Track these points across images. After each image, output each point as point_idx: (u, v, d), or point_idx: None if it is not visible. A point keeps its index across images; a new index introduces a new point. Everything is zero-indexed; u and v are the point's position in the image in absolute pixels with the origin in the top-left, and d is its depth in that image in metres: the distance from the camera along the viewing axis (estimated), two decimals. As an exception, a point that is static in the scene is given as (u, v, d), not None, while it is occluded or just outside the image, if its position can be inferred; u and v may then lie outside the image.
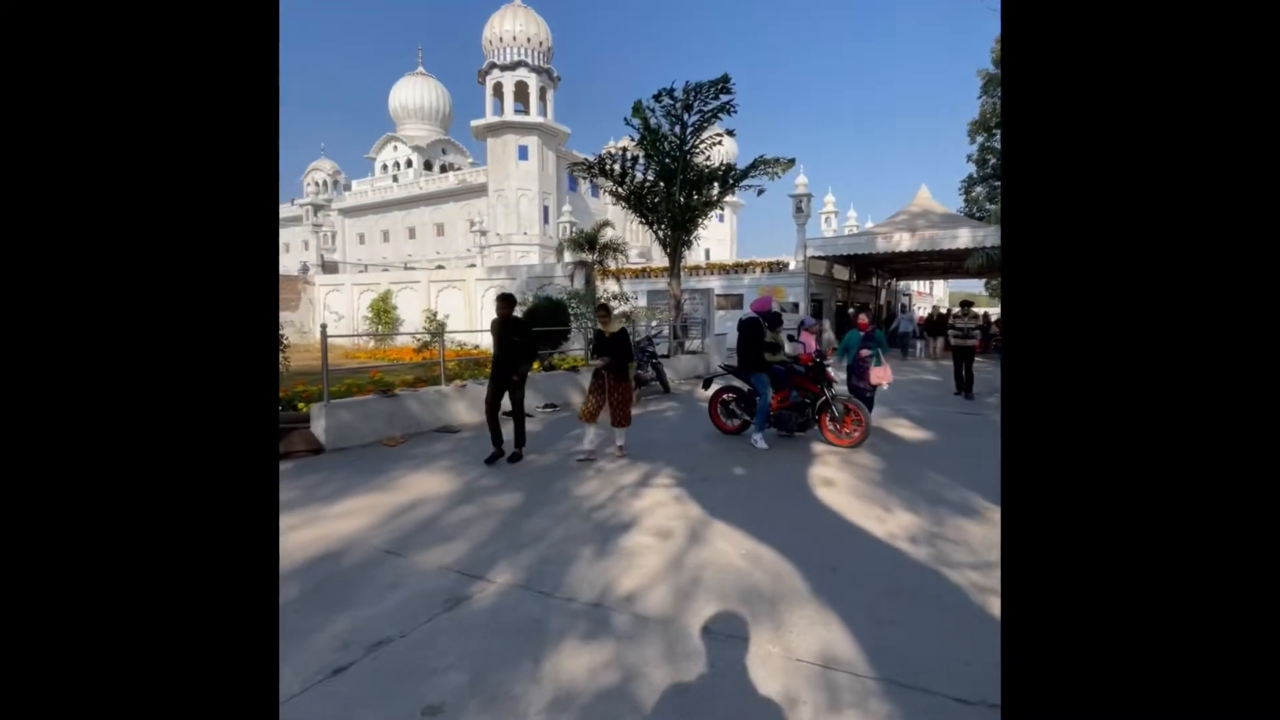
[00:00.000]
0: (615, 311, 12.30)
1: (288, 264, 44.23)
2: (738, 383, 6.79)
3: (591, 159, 12.65)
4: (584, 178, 12.89)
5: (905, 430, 7.18)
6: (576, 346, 10.89)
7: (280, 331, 21.89)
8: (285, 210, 52.68)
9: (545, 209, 36.89)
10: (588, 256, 14.69)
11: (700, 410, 8.17)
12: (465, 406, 7.48)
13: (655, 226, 12.91)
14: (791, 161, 12.52)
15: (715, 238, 51.19)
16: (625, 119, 12.16)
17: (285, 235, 51.58)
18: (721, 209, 50.15)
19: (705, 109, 12.09)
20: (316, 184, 53.16)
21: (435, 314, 19.53)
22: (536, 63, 37.16)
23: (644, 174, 12.88)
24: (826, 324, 17.48)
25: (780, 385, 6.42)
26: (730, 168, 12.77)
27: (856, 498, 4.55)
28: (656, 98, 11.88)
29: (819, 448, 6.20)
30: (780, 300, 17.59)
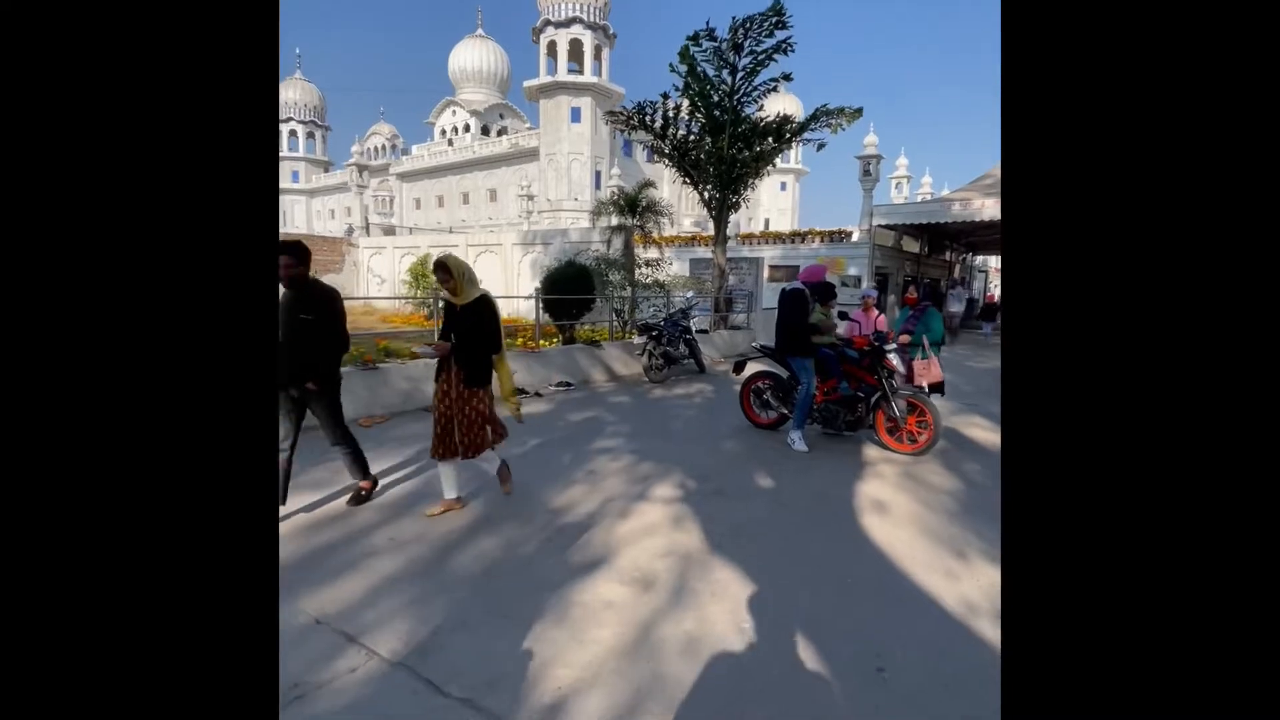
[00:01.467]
0: (648, 280, 11.29)
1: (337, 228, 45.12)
2: (776, 367, 5.60)
3: (630, 109, 11.35)
4: (622, 130, 11.60)
5: (985, 434, 5.82)
6: (604, 319, 9.85)
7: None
8: (355, 177, 53.61)
9: (597, 174, 35.68)
10: (627, 220, 13.53)
11: (736, 396, 7.04)
12: (462, 382, 6.59)
13: (699, 185, 11.61)
14: (859, 111, 10.89)
15: (775, 208, 48.84)
16: (670, 65, 10.82)
17: (346, 199, 52.52)
18: (779, 171, 47.63)
19: (758, 49, 10.59)
20: (375, 148, 53.71)
21: (469, 279, 19.03)
22: (592, 19, 35.56)
23: (689, 127, 11.54)
24: (891, 300, 15.77)
25: (827, 373, 5.19)
26: (787, 119, 11.26)
27: (919, 533, 3.36)
28: (694, 39, 10.44)
29: (872, 454, 4.97)
30: (840, 272, 15.96)
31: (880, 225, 16.51)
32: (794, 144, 11.73)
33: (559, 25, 35.22)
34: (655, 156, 12.21)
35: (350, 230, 35.17)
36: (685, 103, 11.10)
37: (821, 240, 17.91)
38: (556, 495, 3.82)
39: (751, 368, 6.04)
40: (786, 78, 10.90)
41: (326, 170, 58.61)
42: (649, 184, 13.40)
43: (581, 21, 35.21)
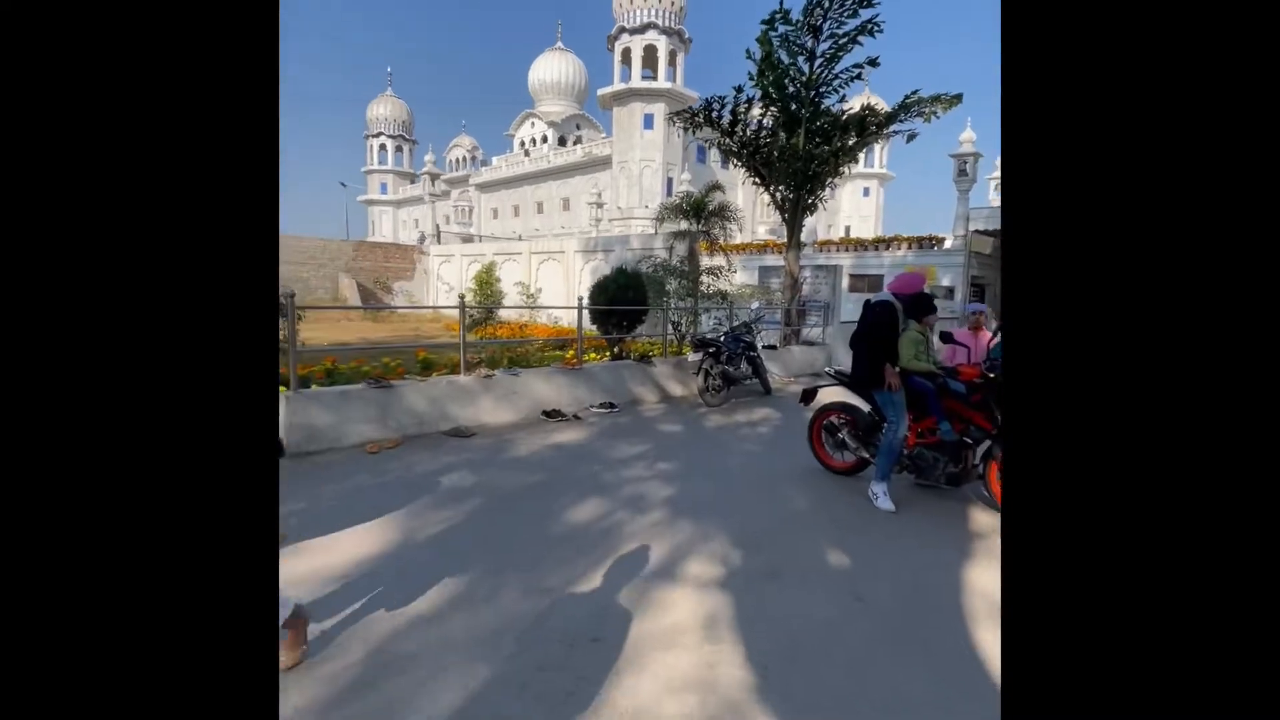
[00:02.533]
0: (711, 289, 10.27)
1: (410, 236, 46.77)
2: (856, 399, 4.51)
3: (696, 106, 10.43)
4: (686, 129, 10.70)
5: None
6: (663, 331, 8.95)
7: (389, 298, 22.20)
8: (428, 186, 55.69)
9: (669, 181, 34.99)
10: (692, 225, 12.60)
11: (806, 426, 5.95)
12: (490, 403, 5.88)
13: (771, 186, 10.53)
14: (957, 98, 9.49)
15: (858, 214, 46.46)
16: (747, 51, 9.82)
17: (428, 209, 54.51)
18: (861, 176, 45.21)
19: (839, 32, 9.44)
20: (456, 160, 55.49)
21: (529, 286, 18.58)
22: (666, 24, 35.03)
23: (760, 122, 10.50)
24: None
25: (923, 410, 4.06)
26: (872, 110, 10.01)
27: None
28: (769, 22, 9.39)
29: (984, 518, 3.80)
30: (931, 282, 14.34)
31: (977, 231, 14.74)
32: (880, 139, 10.44)
33: (633, 31, 34.90)
34: (729, 160, 11.23)
35: (422, 238, 36.11)
36: (760, 96, 10.07)
37: (909, 247, 16.29)
38: (549, 570, 2.94)
39: (825, 396, 4.96)
40: (873, 63, 9.68)
41: (412, 182, 61.20)
42: (716, 186, 12.45)
43: (656, 27, 34.74)
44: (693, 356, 7.20)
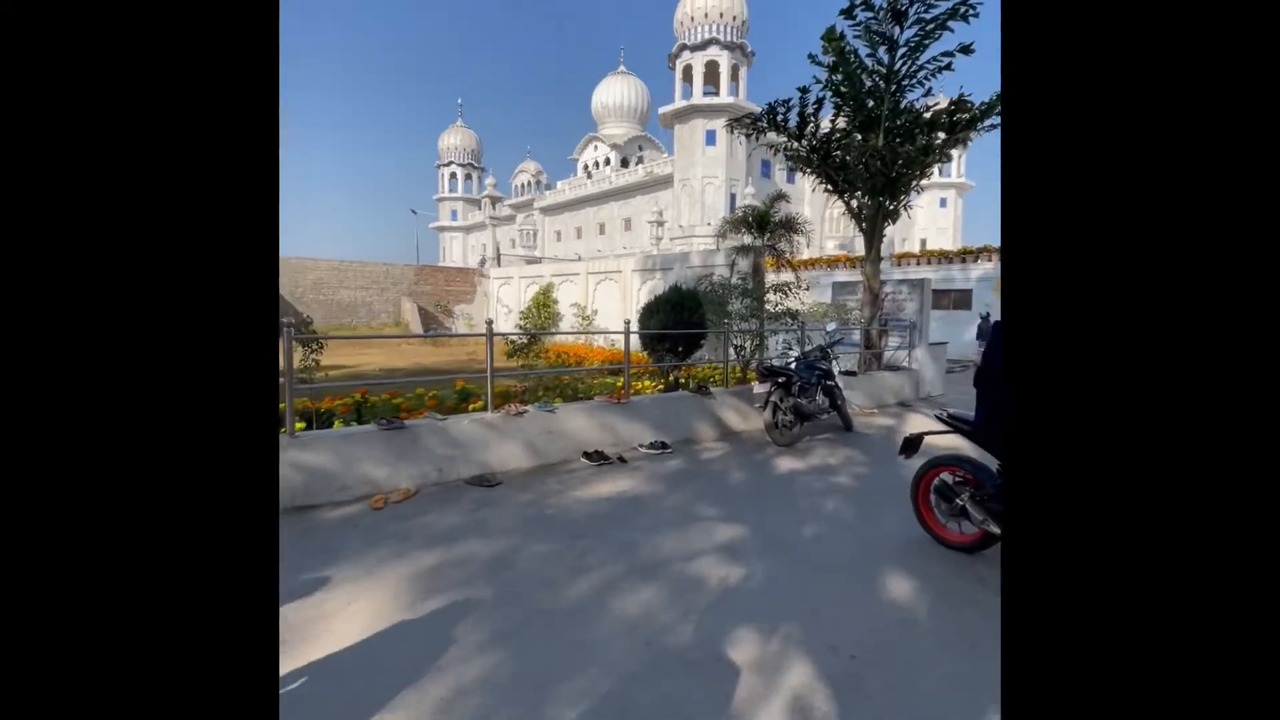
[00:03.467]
0: (778, 308, 9.18)
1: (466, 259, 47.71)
2: (981, 453, 3.41)
3: (759, 109, 9.46)
4: (748, 135, 9.79)
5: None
6: (721, 356, 7.97)
7: (450, 321, 22.22)
8: (499, 210, 57.11)
9: (732, 196, 34.03)
10: (756, 239, 11.61)
11: (902, 475, 4.82)
12: (522, 445, 5.08)
13: (845, 193, 9.42)
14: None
15: (934, 226, 43.84)
16: (810, 56, 8.87)
17: (498, 234, 55.79)
18: (938, 186, 42.66)
19: (927, 16, 8.31)
20: (521, 185, 56.65)
21: (585, 307, 17.97)
22: (728, 39, 34.36)
23: (832, 122, 9.44)
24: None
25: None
26: (963, 102, 8.77)
27: None
28: (848, 11, 8.37)
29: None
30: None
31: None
32: (971, 137, 9.17)
33: (695, 49, 34.44)
34: (795, 168, 10.22)
35: (482, 261, 36.62)
36: (830, 95, 9.03)
37: (997, 258, 14.62)
38: (547, 709, 2.03)
39: (931, 443, 3.86)
40: (965, 50, 8.47)
41: (480, 208, 62.98)
42: (782, 196, 11.42)
43: (718, 42, 34.14)
44: (759, 388, 6.18)
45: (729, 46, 34.28)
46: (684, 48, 34.76)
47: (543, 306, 18.98)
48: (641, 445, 5.78)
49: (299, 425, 5.60)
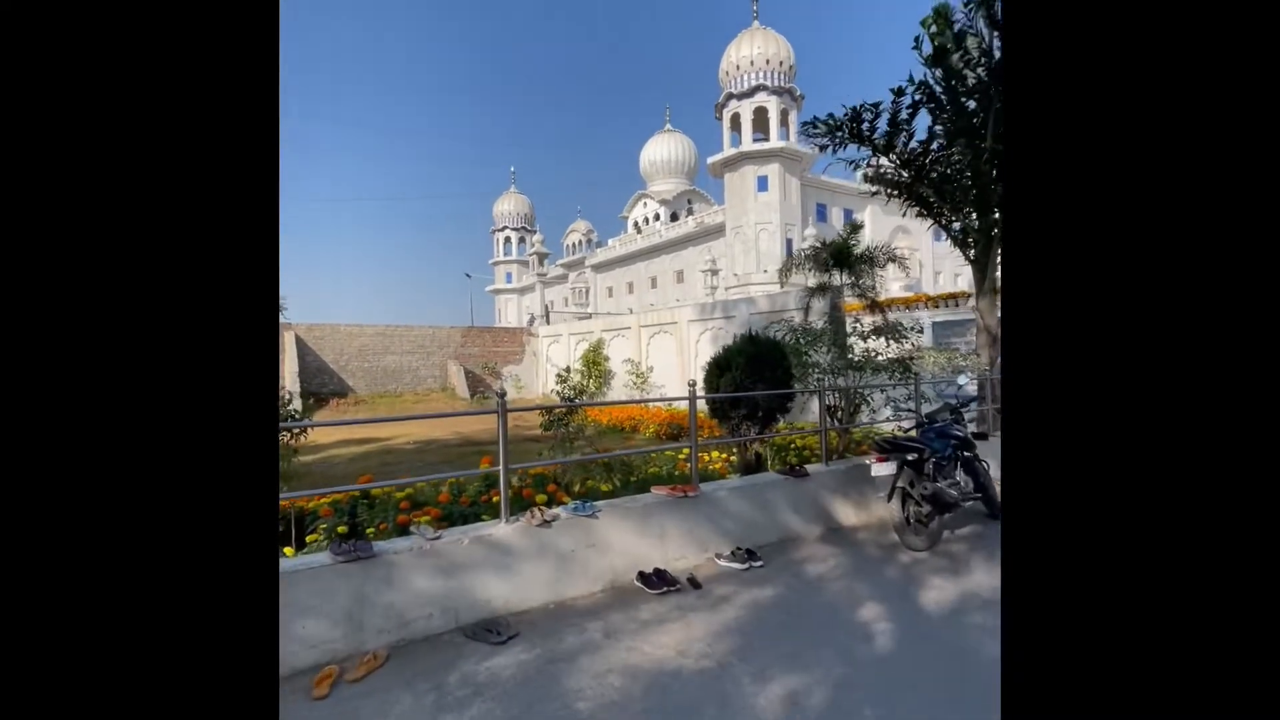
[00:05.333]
0: (887, 354, 7.47)
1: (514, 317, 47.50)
2: None
3: (838, 116, 7.95)
4: (824, 147, 8.31)
5: None
6: (810, 415, 6.27)
7: (499, 385, 21.32)
8: (548, 268, 57.67)
9: (788, 242, 32.55)
10: (832, 278, 9.99)
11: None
12: (550, 568, 3.54)
13: (946, 215, 7.76)
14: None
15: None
16: (915, 40, 7.36)
17: (550, 293, 56.16)
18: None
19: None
20: (572, 244, 57.18)
21: (638, 363, 16.52)
22: (776, 84, 33.69)
23: (930, 129, 7.89)
24: None
25: None
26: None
27: None
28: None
29: None
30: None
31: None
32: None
33: (741, 96, 33.92)
34: (877, 191, 8.66)
35: (531, 320, 36.13)
36: (922, 100, 7.53)
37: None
38: None
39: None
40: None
41: (530, 266, 63.94)
42: (860, 227, 9.85)
43: (766, 88, 33.52)
44: (879, 468, 4.44)
45: (777, 91, 33.59)
46: (731, 96, 34.30)
47: (593, 364, 17.70)
48: (720, 556, 4.12)
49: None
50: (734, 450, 6.31)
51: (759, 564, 4.05)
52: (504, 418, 3.58)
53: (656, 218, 47.88)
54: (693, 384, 4.31)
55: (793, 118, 34.09)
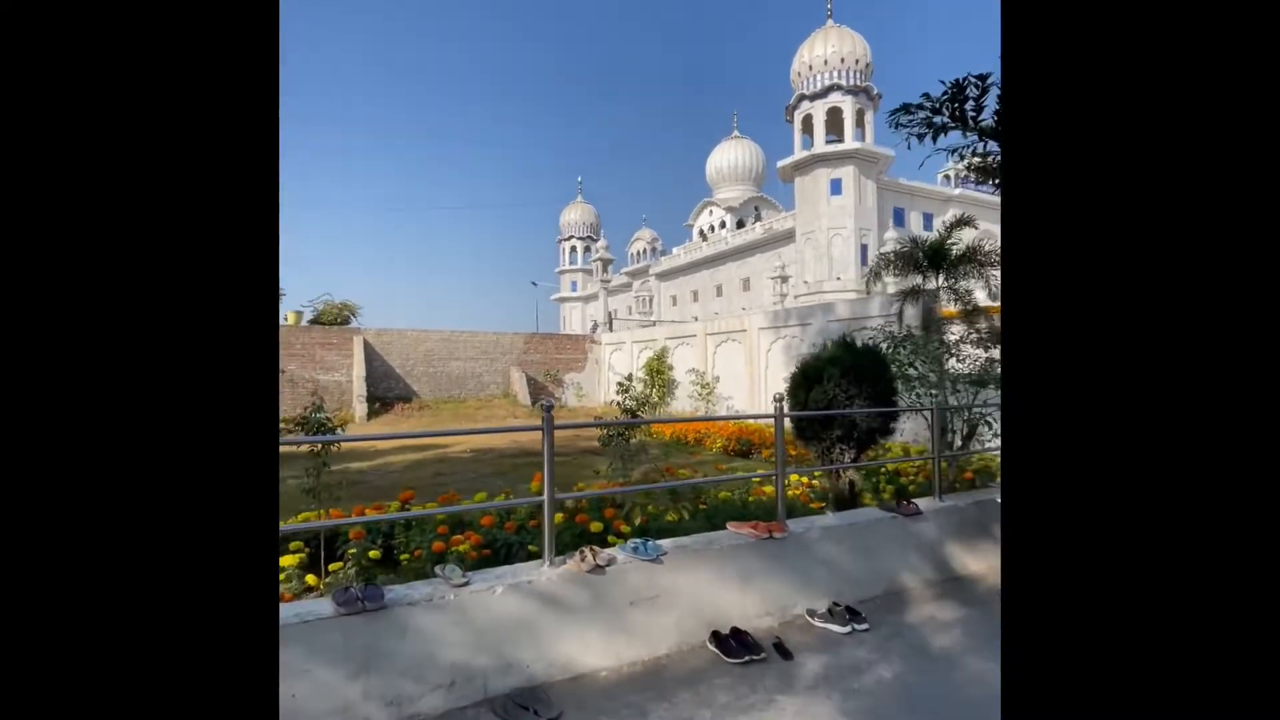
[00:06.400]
0: (980, 367, 6.29)
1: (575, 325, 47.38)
2: None
3: (936, 97, 6.90)
4: (910, 132, 7.26)
5: None
6: (905, 433, 5.33)
7: (559, 393, 20.92)
8: (612, 276, 57.70)
9: (863, 248, 30.87)
10: (927, 280, 8.91)
11: None
12: (603, 625, 2.84)
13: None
14: None
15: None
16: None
17: (614, 301, 56.18)
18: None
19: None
20: (637, 253, 56.98)
21: (704, 373, 15.64)
22: (852, 83, 32.14)
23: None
24: None
25: None
26: None
27: None
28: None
29: None
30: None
31: None
32: None
33: (814, 97, 32.59)
34: (980, 181, 7.55)
35: (594, 327, 35.88)
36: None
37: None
38: None
39: None
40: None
41: (594, 273, 64.25)
42: (965, 221, 8.76)
43: (840, 88, 32.07)
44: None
45: (852, 91, 32.07)
46: (803, 98, 33.03)
47: (656, 373, 17.00)
48: (814, 614, 3.31)
49: (290, 564, 3.76)
50: (817, 475, 5.45)
51: (863, 627, 3.21)
52: (550, 435, 2.92)
53: (722, 225, 47.03)
54: (779, 399, 3.52)
55: (869, 118, 32.47)
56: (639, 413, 6.62)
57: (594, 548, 3.01)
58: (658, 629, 2.97)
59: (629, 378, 11.12)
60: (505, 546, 4.20)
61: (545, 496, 2.90)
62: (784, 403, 3.62)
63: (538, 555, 4.24)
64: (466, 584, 2.66)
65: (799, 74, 33.66)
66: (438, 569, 2.82)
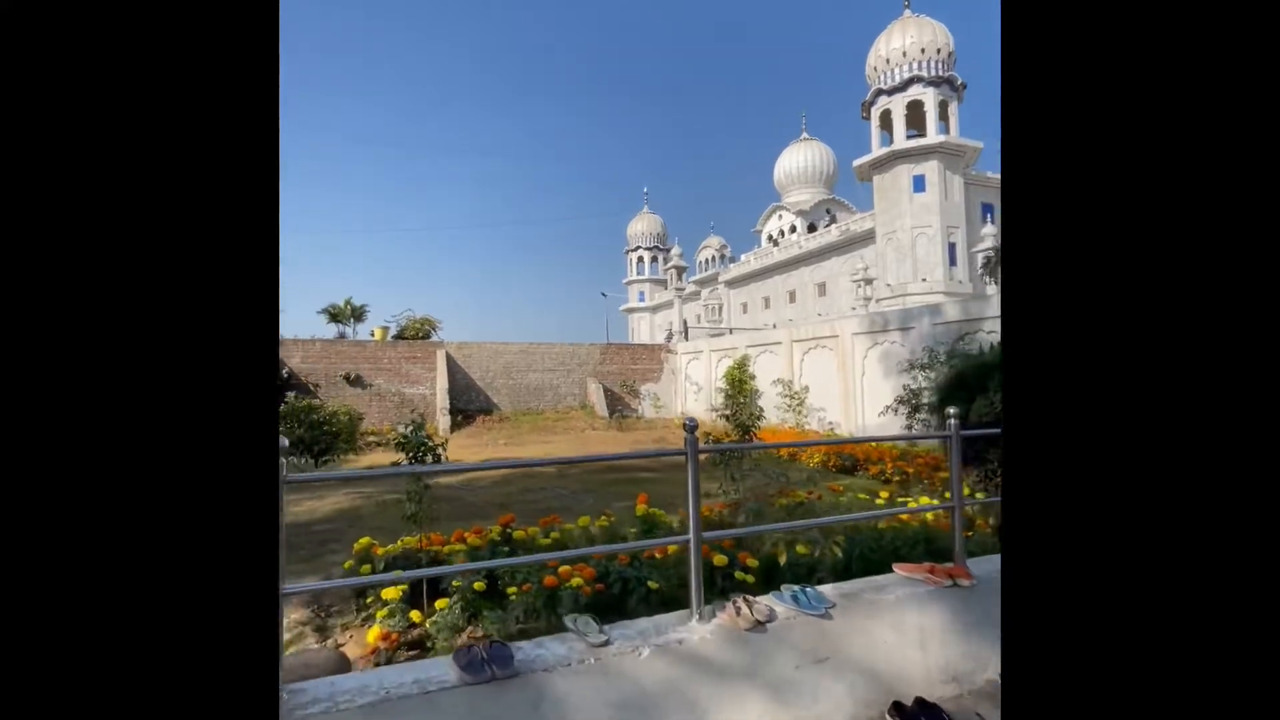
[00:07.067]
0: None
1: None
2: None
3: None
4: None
5: None
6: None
7: (636, 402, 20.58)
8: (674, 280, 57.32)
9: (951, 247, 29.06)
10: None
11: None
12: (759, 691, 2.33)
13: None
14: None
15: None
16: None
17: (683, 310, 55.76)
18: None
19: None
20: (705, 260, 56.39)
21: (790, 382, 14.78)
22: (933, 74, 30.48)
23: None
24: None
25: None
26: None
27: None
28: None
29: None
30: None
31: None
32: None
33: (892, 91, 31.12)
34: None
35: (669, 336, 35.51)
36: None
37: None
38: None
39: None
40: None
41: (665, 287, 64.10)
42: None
43: (921, 80, 30.46)
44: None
45: (934, 82, 30.40)
46: (880, 92, 31.61)
47: (737, 382, 16.33)
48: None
49: (390, 597, 3.47)
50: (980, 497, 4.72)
51: None
52: (694, 461, 2.45)
53: (792, 230, 45.85)
54: (958, 415, 2.90)
55: (953, 109, 30.71)
56: (750, 427, 6.08)
57: (747, 598, 2.52)
58: (830, 700, 2.43)
59: (734, 385, 10.38)
60: (621, 582, 3.77)
61: (691, 535, 2.44)
62: (955, 418, 3.00)
63: (658, 592, 3.78)
64: (607, 643, 2.23)
65: (875, 68, 32.29)
66: (568, 620, 2.40)
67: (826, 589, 2.76)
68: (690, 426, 2.52)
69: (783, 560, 3.56)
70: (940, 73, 30.65)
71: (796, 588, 2.66)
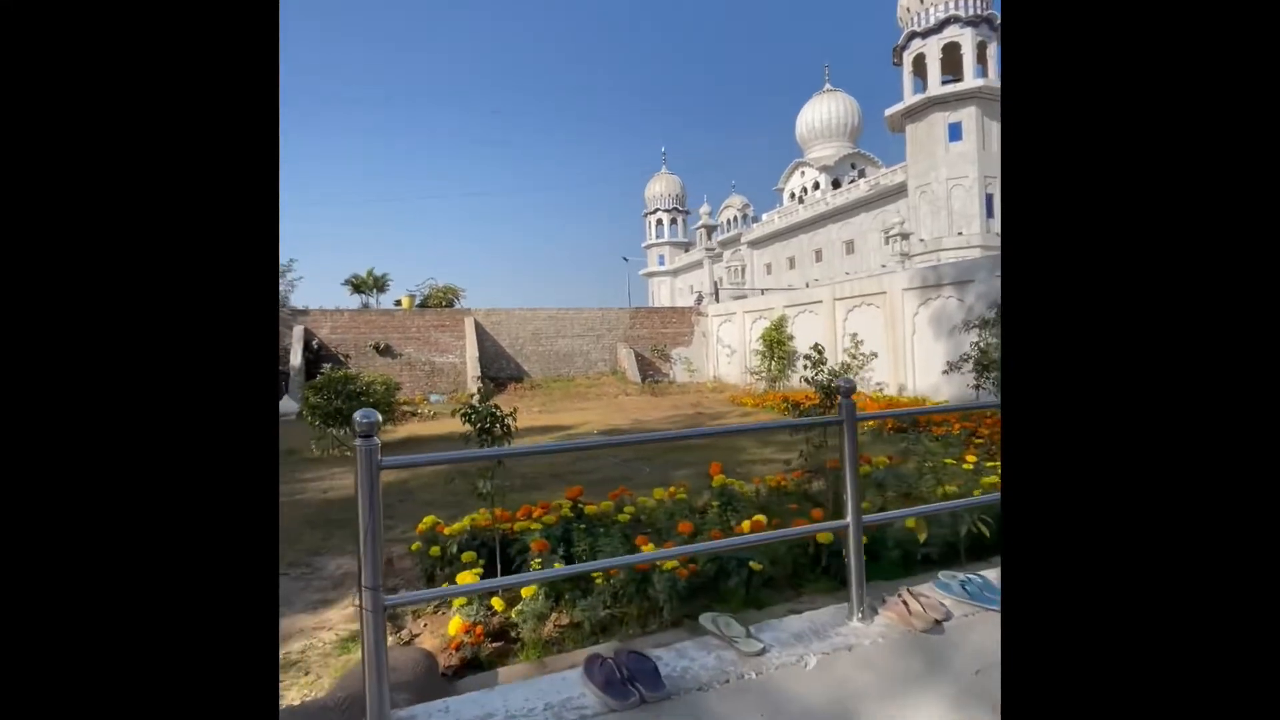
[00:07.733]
0: None
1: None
2: None
3: None
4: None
5: None
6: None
7: (667, 366, 20.12)
8: (703, 240, 56.19)
9: (988, 198, 27.77)
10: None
11: None
12: (942, 710, 1.94)
13: None
14: None
15: None
16: None
17: (704, 274, 54.81)
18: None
19: None
20: (728, 221, 55.08)
21: (834, 344, 14.19)
22: (971, 12, 28.72)
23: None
24: None
25: None
26: None
27: None
28: None
29: None
30: None
31: None
32: None
33: (927, 34, 29.42)
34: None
35: (699, 299, 34.90)
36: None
37: None
38: None
39: None
40: None
41: (687, 250, 62.89)
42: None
43: (958, 20, 28.71)
44: None
45: (972, 22, 28.65)
46: (913, 35, 29.90)
47: (776, 344, 15.79)
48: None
49: (469, 575, 3.14)
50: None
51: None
52: (852, 428, 2.02)
53: (816, 186, 44.35)
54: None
55: (991, 51, 28.97)
56: (832, 388, 5.63)
57: (912, 590, 2.12)
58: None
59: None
60: (718, 562, 3.41)
61: (849, 519, 2.03)
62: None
63: (761, 574, 3.40)
64: (762, 650, 1.85)
65: (908, 9, 30.51)
66: (706, 621, 2.03)
67: (990, 574, 2.35)
68: (845, 390, 2.08)
69: (922, 538, 3.15)
70: (979, 11, 28.85)
71: (960, 575, 2.26)
